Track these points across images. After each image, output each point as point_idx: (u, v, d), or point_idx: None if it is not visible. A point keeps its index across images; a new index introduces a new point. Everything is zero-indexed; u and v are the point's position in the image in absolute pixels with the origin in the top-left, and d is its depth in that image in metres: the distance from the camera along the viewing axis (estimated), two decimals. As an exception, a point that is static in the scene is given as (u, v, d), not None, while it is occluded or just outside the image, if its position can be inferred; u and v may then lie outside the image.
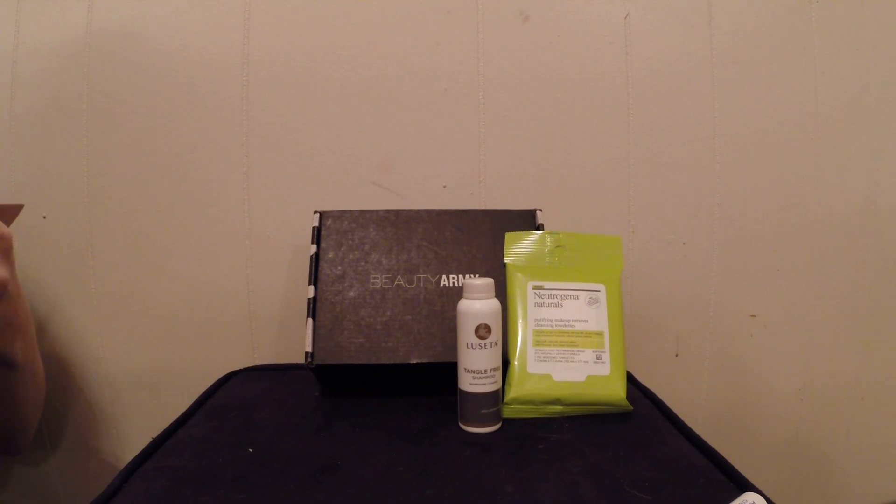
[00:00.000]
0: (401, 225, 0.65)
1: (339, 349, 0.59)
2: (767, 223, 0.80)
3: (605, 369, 0.57)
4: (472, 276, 0.63)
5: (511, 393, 0.55)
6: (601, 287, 0.60)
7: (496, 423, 0.53)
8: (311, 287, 0.61)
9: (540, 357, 0.57)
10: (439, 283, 0.62)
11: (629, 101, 0.78)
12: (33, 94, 0.75)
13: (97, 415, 0.78)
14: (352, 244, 0.63)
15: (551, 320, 0.59)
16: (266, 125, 0.76)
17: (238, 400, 0.63)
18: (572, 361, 0.57)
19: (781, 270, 0.80)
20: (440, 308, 0.61)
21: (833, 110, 0.79)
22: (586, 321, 0.59)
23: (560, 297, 0.60)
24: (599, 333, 0.58)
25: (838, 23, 0.78)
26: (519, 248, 0.63)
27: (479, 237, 0.64)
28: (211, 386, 0.66)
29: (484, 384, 0.52)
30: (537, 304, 0.59)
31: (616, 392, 0.56)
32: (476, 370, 0.52)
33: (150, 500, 0.42)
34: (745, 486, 0.42)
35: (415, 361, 0.59)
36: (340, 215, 0.65)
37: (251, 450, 0.50)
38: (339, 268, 0.62)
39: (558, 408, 0.56)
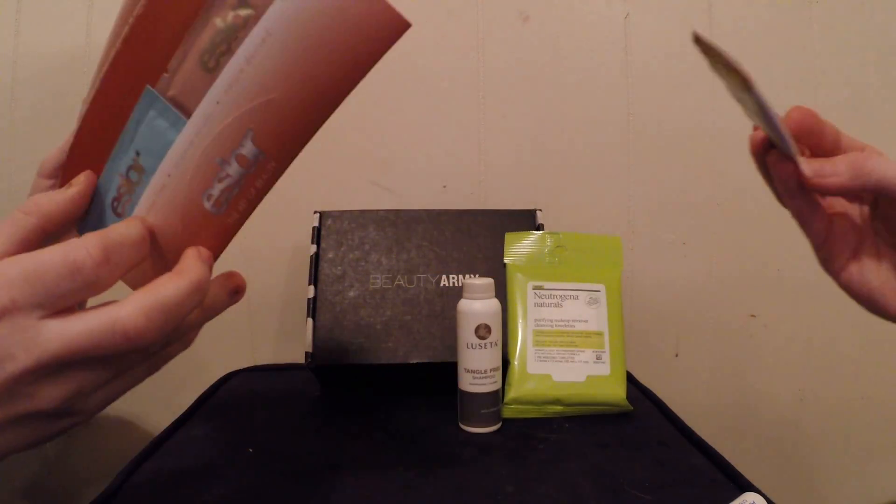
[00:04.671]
0: (401, 225, 0.65)
1: (339, 349, 0.59)
2: (767, 223, 0.80)
3: (605, 369, 0.57)
4: (472, 276, 0.63)
5: (511, 393, 0.55)
6: (601, 287, 0.60)
7: (496, 423, 0.53)
8: (311, 287, 0.61)
9: (540, 357, 0.57)
10: (439, 283, 0.62)
11: (629, 101, 0.78)
12: (33, 94, 0.75)
13: (97, 415, 0.78)
14: (352, 244, 0.63)
15: (551, 320, 0.59)
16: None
17: (238, 400, 0.63)
18: (572, 362, 0.57)
19: (781, 270, 0.80)
20: (440, 308, 0.61)
21: (833, 110, 0.79)
22: (586, 321, 0.59)
23: (560, 297, 0.60)
24: (599, 333, 0.58)
25: (838, 23, 0.78)
26: (519, 248, 0.63)
27: (479, 237, 0.64)
28: (211, 386, 0.66)
29: (484, 384, 0.52)
30: (537, 304, 0.59)
31: (616, 392, 0.56)
32: (476, 370, 0.52)
33: (150, 500, 0.42)
34: (745, 486, 0.42)
35: (415, 361, 0.59)
36: (340, 215, 0.65)
37: (251, 450, 0.50)
38: (339, 268, 0.62)
39: (558, 408, 0.56)
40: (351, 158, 0.77)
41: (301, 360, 0.60)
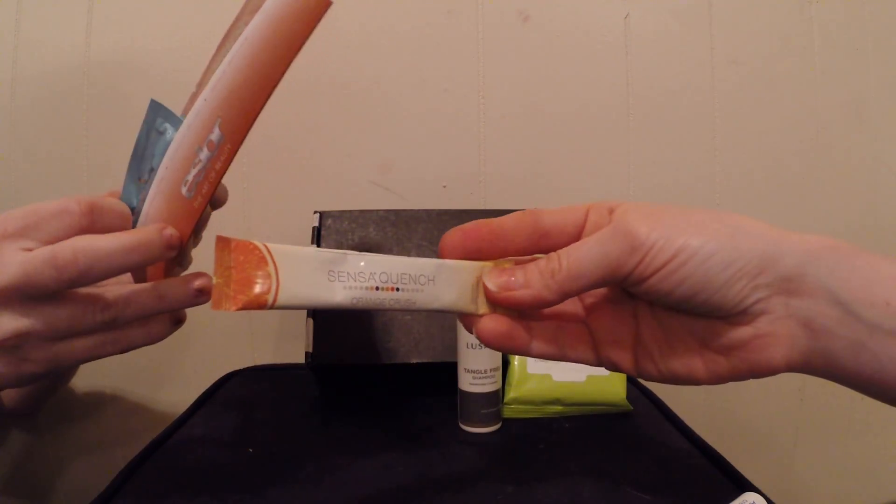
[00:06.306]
0: (401, 225, 0.65)
1: (339, 349, 0.59)
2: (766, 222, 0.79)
3: (605, 369, 0.57)
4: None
5: (511, 393, 0.55)
6: (601, 287, 0.60)
7: (496, 423, 0.53)
8: (311, 287, 0.61)
9: (540, 357, 0.57)
10: (439, 283, 0.62)
11: (629, 101, 0.78)
12: (34, 94, 0.75)
13: (97, 415, 0.78)
14: (352, 244, 0.63)
15: (551, 320, 0.58)
16: (265, 125, 0.76)
17: (238, 400, 0.63)
18: (572, 361, 0.57)
19: (781, 270, 0.80)
20: (440, 308, 0.61)
21: (833, 110, 0.79)
22: (586, 321, 0.59)
23: (560, 297, 0.60)
24: (599, 333, 0.58)
25: (838, 23, 0.78)
26: (519, 248, 0.63)
27: (479, 237, 0.64)
28: (211, 386, 0.66)
29: (484, 384, 0.52)
30: (537, 304, 0.59)
31: (616, 392, 0.56)
32: (476, 370, 0.52)
33: (150, 500, 0.42)
34: (745, 486, 0.42)
35: (415, 361, 0.59)
36: (340, 215, 0.65)
37: (251, 450, 0.50)
38: (339, 268, 0.62)
39: (558, 408, 0.56)
40: (351, 158, 0.77)
41: (301, 360, 0.60)
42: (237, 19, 0.34)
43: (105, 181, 0.76)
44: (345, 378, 0.64)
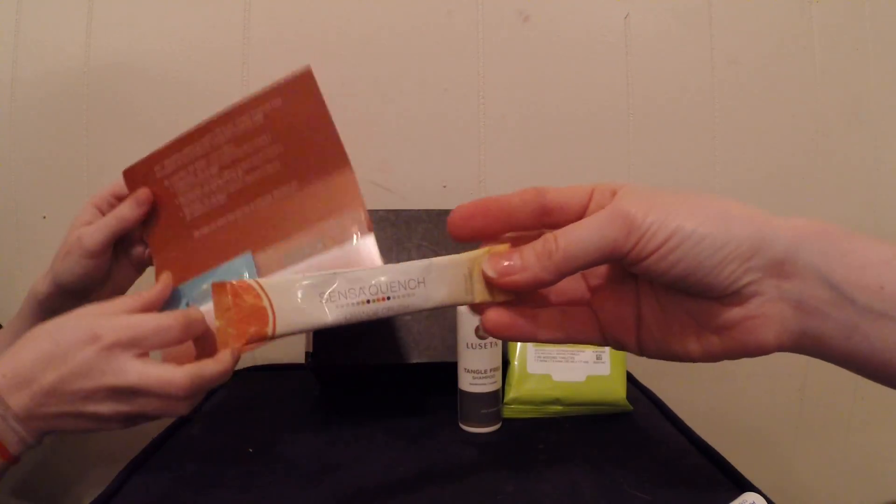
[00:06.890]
0: (401, 225, 0.65)
1: (339, 349, 0.59)
2: (767, 223, 0.79)
3: (605, 369, 0.57)
4: (472, 276, 0.63)
5: (511, 393, 0.55)
6: (601, 287, 0.60)
7: (496, 423, 0.53)
8: (311, 287, 0.61)
9: (540, 357, 0.57)
10: (439, 283, 0.62)
11: (629, 101, 0.78)
12: (34, 95, 0.75)
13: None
14: (352, 244, 0.63)
15: (551, 320, 0.58)
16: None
17: (238, 400, 0.63)
18: (572, 361, 0.57)
19: (781, 270, 0.80)
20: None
21: (833, 110, 0.79)
22: (586, 321, 0.59)
23: (560, 297, 0.60)
24: (599, 333, 0.58)
25: (838, 23, 0.78)
26: (519, 248, 0.63)
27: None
28: (211, 386, 0.66)
29: (484, 384, 0.52)
30: (537, 304, 0.59)
31: (616, 392, 0.56)
32: (476, 370, 0.52)
33: (150, 500, 0.42)
34: (745, 486, 0.42)
35: (415, 361, 0.59)
36: (340, 215, 0.65)
37: (251, 450, 0.50)
38: (339, 268, 0.62)
39: (558, 408, 0.56)
40: (351, 158, 0.77)
41: (301, 360, 0.60)
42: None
43: (105, 182, 0.75)
44: (345, 378, 0.64)
